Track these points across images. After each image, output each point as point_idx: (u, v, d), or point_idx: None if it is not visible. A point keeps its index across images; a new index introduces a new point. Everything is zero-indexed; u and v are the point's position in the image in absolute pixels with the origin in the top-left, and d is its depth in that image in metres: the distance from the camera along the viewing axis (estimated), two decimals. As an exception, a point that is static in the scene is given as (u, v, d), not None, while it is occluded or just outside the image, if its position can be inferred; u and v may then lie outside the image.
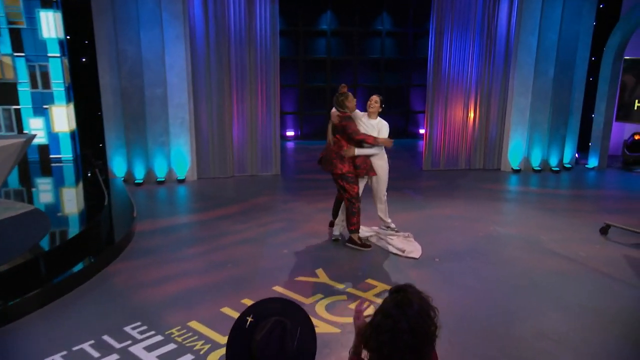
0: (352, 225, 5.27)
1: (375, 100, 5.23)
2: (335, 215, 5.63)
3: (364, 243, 5.37)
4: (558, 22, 8.69)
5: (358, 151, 5.14)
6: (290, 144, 12.28)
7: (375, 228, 5.77)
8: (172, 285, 4.51)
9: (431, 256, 5.20)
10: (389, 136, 5.27)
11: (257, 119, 8.61)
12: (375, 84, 12.58)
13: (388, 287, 2.07)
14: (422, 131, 12.64)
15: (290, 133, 12.67)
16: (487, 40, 8.89)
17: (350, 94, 5.13)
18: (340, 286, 4.49)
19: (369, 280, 4.59)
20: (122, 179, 8.13)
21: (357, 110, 5.28)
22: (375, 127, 5.25)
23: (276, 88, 8.55)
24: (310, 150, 11.43)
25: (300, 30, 11.88)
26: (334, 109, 5.19)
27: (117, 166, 8.20)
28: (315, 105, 12.62)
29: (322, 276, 4.72)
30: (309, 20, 11.92)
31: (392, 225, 5.70)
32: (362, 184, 5.35)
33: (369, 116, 5.29)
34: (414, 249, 5.28)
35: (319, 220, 6.37)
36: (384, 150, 5.35)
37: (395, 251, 5.27)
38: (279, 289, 4.43)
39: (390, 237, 5.52)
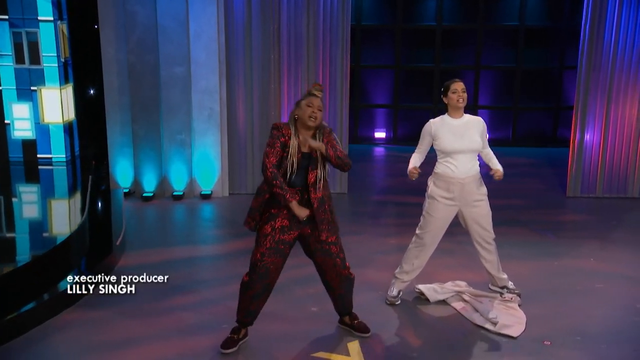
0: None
1: (462, 89, 4.94)
2: None
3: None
4: None
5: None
6: (379, 150, 12.43)
7: (462, 284, 5.46)
8: (130, 354, 4.40)
9: (539, 336, 4.74)
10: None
11: (316, 113, 8.49)
12: (509, 64, 12.52)
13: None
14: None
15: (380, 134, 12.85)
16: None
17: None
18: (378, 374, 4.24)
19: (426, 368, 4.30)
20: (127, 190, 8.33)
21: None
22: (461, 130, 4.93)
23: (345, 70, 8.43)
24: (403, 160, 11.11)
25: (398, -13, 12.05)
26: None
27: (122, 173, 8.46)
28: (416, 96, 12.69)
29: (354, 354, 4.45)
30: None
31: (511, 285, 5.34)
32: (443, 220, 5.05)
33: (451, 114, 5.00)
34: (512, 322, 4.86)
35: (381, 264, 6.11)
36: (477, 160, 5.05)
37: (480, 322, 4.87)
38: (277, 367, 4.26)
39: (480, 299, 5.15)
